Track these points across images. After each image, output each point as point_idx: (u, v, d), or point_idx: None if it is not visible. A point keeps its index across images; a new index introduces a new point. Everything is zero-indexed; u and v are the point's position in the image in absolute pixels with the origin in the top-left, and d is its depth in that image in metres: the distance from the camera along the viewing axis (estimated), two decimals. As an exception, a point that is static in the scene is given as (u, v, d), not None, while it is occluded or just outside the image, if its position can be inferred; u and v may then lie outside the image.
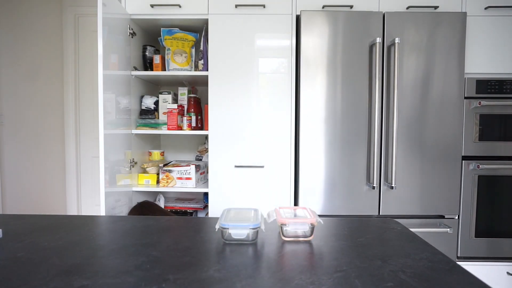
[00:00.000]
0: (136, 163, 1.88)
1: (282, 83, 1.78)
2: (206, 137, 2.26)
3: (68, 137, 2.83)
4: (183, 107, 1.97)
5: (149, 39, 2.12)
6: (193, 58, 1.94)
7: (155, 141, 2.22)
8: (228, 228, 0.77)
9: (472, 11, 1.77)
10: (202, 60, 1.89)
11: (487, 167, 1.73)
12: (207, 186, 1.86)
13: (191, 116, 1.92)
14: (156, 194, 2.14)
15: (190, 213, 2.01)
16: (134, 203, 1.84)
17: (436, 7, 1.76)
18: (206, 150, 2.23)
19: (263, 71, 1.79)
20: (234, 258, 0.69)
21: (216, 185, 1.81)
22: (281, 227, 0.80)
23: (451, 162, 1.72)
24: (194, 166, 1.85)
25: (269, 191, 1.81)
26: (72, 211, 2.85)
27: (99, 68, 1.38)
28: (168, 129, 1.85)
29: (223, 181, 1.81)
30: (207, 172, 2.05)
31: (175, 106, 1.86)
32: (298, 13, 1.76)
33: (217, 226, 0.78)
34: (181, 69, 1.89)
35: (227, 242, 0.78)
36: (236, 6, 1.76)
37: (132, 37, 1.82)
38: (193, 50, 1.93)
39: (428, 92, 1.71)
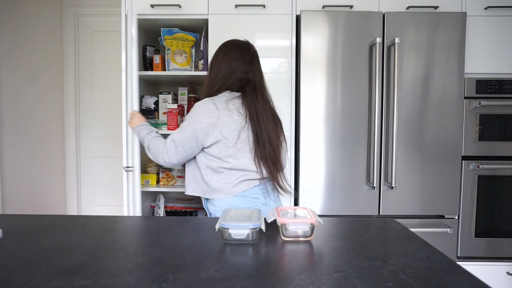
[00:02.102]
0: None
1: (282, 83, 1.78)
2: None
3: (68, 137, 2.82)
4: (183, 107, 1.97)
5: (149, 39, 2.12)
6: (193, 58, 1.94)
7: (155, 141, 2.21)
8: (228, 228, 0.77)
9: (472, 11, 1.77)
10: (202, 60, 1.89)
11: (487, 167, 1.73)
12: (207, 186, 1.86)
13: (191, 116, 1.92)
14: (156, 194, 2.14)
15: (190, 213, 2.01)
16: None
17: (436, 7, 1.76)
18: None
19: (263, 71, 1.78)
20: (234, 258, 0.69)
21: (216, 185, 1.81)
22: (281, 227, 0.81)
23: (451, 162, 1.72)
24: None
25: (269, 191, 1.80)
26: (72, 211, 2.85)
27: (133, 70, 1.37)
28: (168, 129, 1.85)
29: (223, 181, 1.81)
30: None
31: (175, 106, 1.85)
32: (298, 13, 1.76)
33: (217, 226, 0.78)
34: (181, 69, 1.88)
35: (227, 242, 0.78)
36: (236, 6, 1.76)
37: (132, 37, 1.82)
38: (193, 50, 1.93)
39: (428, 92, 1.71)
